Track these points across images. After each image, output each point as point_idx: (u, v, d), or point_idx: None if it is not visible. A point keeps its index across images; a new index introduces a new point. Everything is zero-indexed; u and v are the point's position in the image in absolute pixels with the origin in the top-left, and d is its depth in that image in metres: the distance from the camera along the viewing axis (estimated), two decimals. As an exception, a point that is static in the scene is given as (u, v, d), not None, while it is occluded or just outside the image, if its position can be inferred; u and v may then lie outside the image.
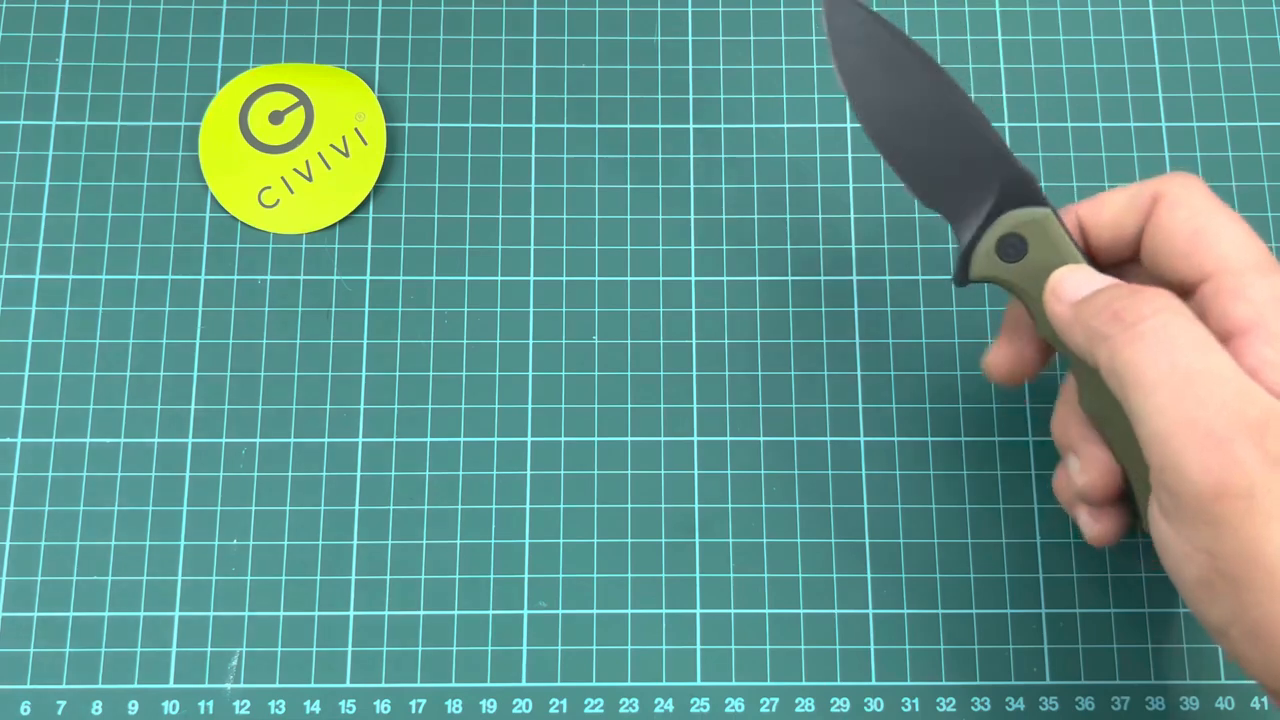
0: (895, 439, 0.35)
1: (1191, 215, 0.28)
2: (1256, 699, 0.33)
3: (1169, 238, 0.28)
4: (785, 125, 0.38)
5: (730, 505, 0.35)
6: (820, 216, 0.37)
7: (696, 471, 0.35)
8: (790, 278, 0.37)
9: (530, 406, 0.36)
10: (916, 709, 0.33)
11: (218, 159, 0.37)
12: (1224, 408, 0.23)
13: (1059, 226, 0.29)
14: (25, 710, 0.33)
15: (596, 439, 0.35)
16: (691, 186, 0.37)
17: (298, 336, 0.36)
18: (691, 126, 0.38)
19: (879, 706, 0.33)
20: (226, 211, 0.37)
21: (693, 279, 0.37)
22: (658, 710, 0.33)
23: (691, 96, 0.38)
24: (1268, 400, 0.24)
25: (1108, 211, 0.29)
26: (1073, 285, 0.28)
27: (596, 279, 0.37)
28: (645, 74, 0.38)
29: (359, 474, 0.35)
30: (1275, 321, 0.25)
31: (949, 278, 0.36)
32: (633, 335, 0.36)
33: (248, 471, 0.35)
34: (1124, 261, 0.30)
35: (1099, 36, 0.39)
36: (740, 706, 0.33)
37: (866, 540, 0.35)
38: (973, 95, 0.38)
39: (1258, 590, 0.23)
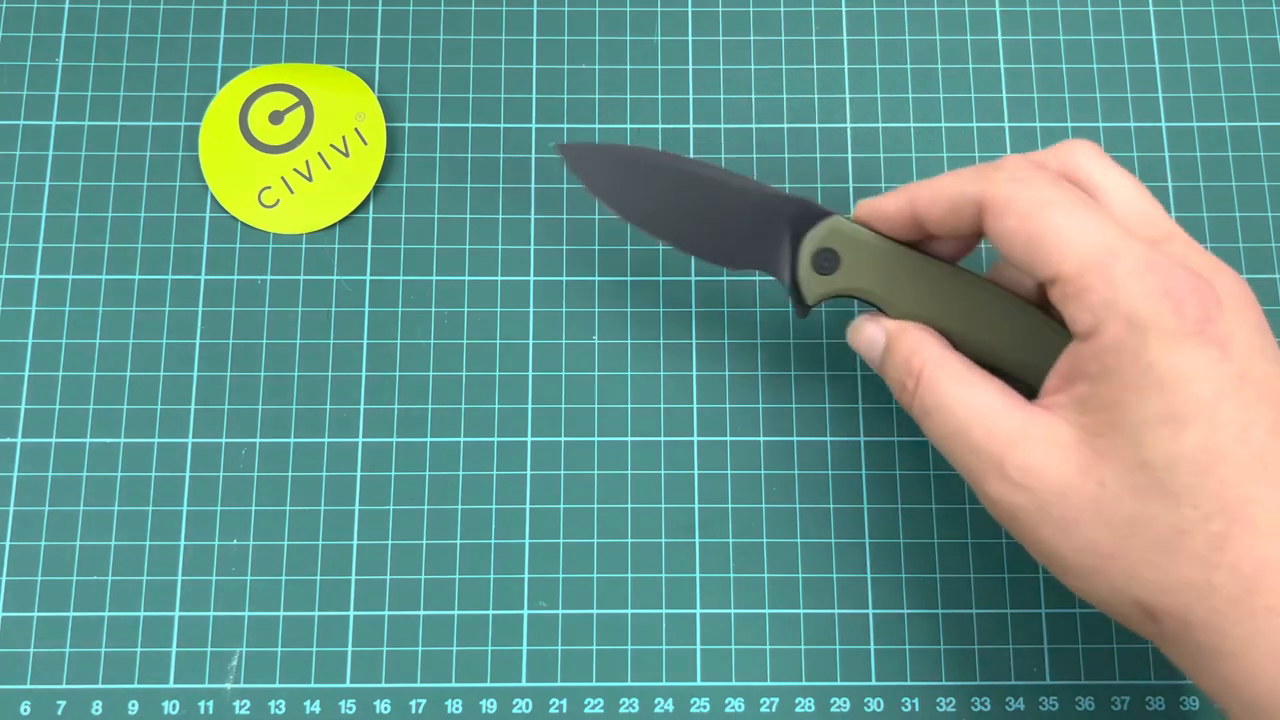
0: (895, 439, 0.35)
1: (1021, 222, 0.26)
2: (1256, 699, 0.33)
3: (1007, 250, 0.27)
4: (785, 125, 0.38)
5: (730, 505, 0.35)
6: (820, 216, 0.37)
7: (696, 471, 0.35)
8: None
9: (530, 406, 0.36)
10: (916, 709, 0.33)
11: (218, 159, 0.37)
12: (974, 454, 0.27)
13: (851, 224, 0.31)
14: (25, 710, 0.33)
15: (596, 439, 0.35)
16: (691, 186, 0.37)
17: (298, 336, 0.36)
18: (691, 126, 0.38)
19: (879, 706, 0.33)
20: (226, 211, 0.37)
21: (693, 279, 0.37)
22: (658, 710, 0.33)
23: (691, 96, 0.38)
24: (1006, 426, 0.27)
25: (938, 210, 0.29)
26: (866, 349, 0.32)
27: (596, 279, 0.37)
28: (645, 74, 0.38)
29: (359, 474, 0.35)
30: (1111, 327, 0.25)
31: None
32: (633, 335, 0.36)
33: (248, 471, 0.35)
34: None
35: (1099, 36, 0.39)
36: (740, 706, 0.33)
37: (866, 540, 0.35)
38: (973, 95, 0.38)
39: (1074, 577, 0.27)
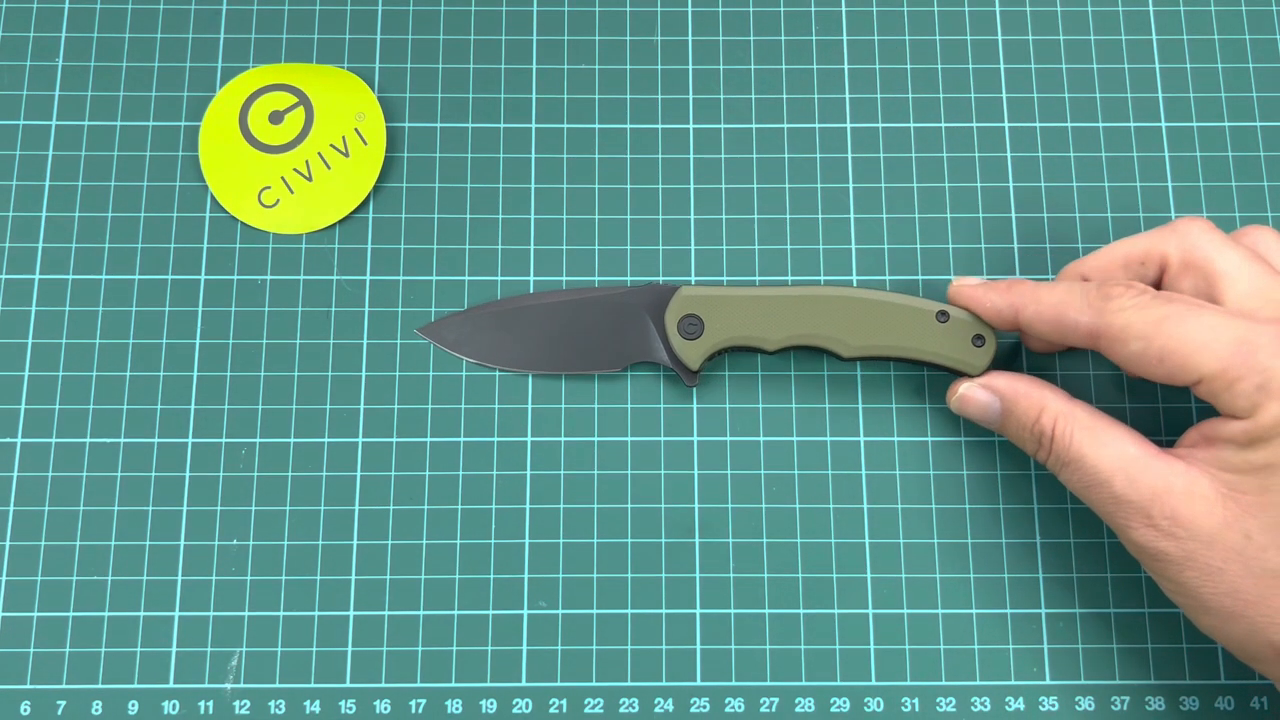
0: (895, 439, 0.35)
1: (1146, 343, 0.28)
2: (1256, 699, 0.33)
3: (1140, 368, 0.29)
4: (785, 125, 0.38)
5: (730, 505, 0.35)
6: (820, 217, 0.37)
7: (696, 471, 0.35)
8: (790, 278, 0.37)
9: (530, 407, 0.36)
10: (916, 709, 0.33)
11: (218, 159, 0.37)
12: (1117, 503, 0.29)
13: (698, 287, 0.34)
14: (25, 710, 0.33)
15: (596, 439, 0.35)
16: (692, 187, 0.37)
17: (298, 336, 0.36)
18: (691, 126, 0.38)
19: (879, 706, 0.33)
20: (226, 211, 0.37)
21: (692, 280, 0.37)
22: (658, 710, 0.33)
23: (691, 96, 0.38)
24: (1149, 477, 0.28)
25: (1043, 326, 0.31)
26: (979, 415, 0.32)
27: (597, 279, 0.37)
28: (645, 74, 0.38)
29: (359, 474, 0.35)
30: (1270, 405, 0.27)
31: (949, 278, 0.36)
32: (633, 335, 0.36)
33: (248, 471, 0.35)
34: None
35: (1099, 36, 0.39)
36: (740, 706, 0.33)
37: (866, 540, 0.35)
38: (973, 95, 0.38)
39: (1212, 618, 0.28)
